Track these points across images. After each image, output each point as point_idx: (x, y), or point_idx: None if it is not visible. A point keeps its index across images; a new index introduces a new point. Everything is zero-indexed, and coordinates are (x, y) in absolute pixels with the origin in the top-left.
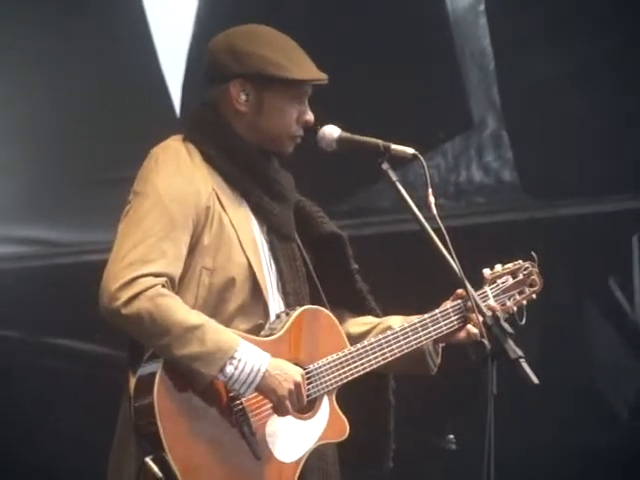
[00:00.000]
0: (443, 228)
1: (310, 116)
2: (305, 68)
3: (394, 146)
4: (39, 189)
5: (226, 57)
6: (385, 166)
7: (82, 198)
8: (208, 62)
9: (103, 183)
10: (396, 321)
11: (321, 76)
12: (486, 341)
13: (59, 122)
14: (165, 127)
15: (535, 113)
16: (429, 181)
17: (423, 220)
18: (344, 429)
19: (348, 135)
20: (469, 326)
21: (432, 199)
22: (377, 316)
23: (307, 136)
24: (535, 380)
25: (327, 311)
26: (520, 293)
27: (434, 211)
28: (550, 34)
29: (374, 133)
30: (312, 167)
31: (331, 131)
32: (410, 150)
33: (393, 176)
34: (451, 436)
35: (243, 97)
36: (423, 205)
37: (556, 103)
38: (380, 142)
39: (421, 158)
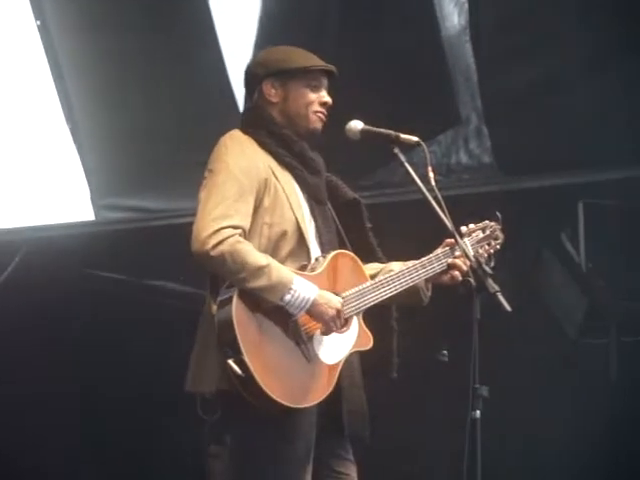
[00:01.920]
0: (439, 196)
1: (327, 98)
2: (313, 60)
3: (403, 135)
4: (138, 169)
5: (255, 69)
6: (396, 150)
7: (170, 176)
8: (245, 79)
9: (185, 164)
10: (396, 265)
11: (326, 65)
12: (471, 279)
13: (150, 120)
14: (231, 124)
15: (506, 113)
16: (429, 162)
17: (425, 190)
18: (369, 340)
19: (368, 127)
20: (452, 271)
21: (432, 175)
22: (382, 263)
23: (337, 129)
24: (508, 308)
25: (352, 254)
26: (488, 244)
27: (433, 184)
28: (519, 53)
29: (388, 126)
30: (340, 151)
31: (356, 125)
32: (415, 138)
33: (402, 157)
34: (444, 351)
35: (273, 91)
36: (424, 180)
37: (523, 105)
38: (392, 132)
39: (423, 145)
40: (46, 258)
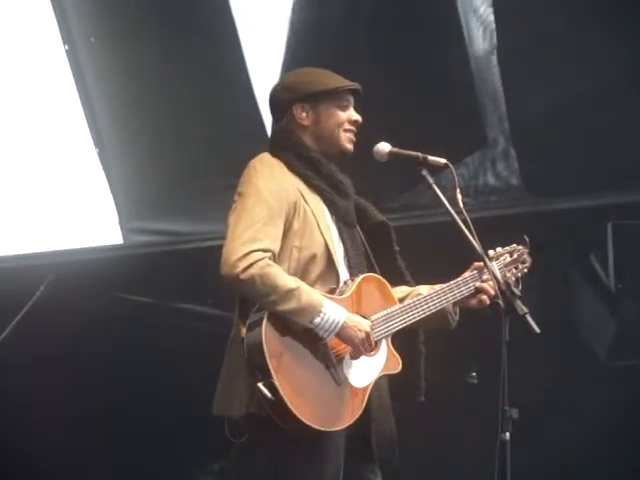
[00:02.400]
0: (468, 218)
1: (357, 116)
2: (340, 81)
3: (430, 157)
4: (166, 192)
5: (283, 93)
6: (424, 172)
7: (198, 199)
8: (272, 104)
9: (213, 187)
10: (424, 289)
11: (353, 84)
12: (500, 301)
13: (178, 143)
14: (259, 147)
15: (534, 134)
16: (457, 184)
17: (453, 212)
18: (398, 363)
19: (396, 150)
20: (480, 294)
21: (460, 197)
22: (410, 286)
23: (365, 151)
24: (537, 330)
25: (381, 277)
26: (516, 268)
27: (461, 206)
28: (547, 73)
29: (415, 148)
30: (370, 175)
31: (384, 147)
32: (442, 160)
33: (430, 180)
34: (474, 373)
35: (304, 114)
36: (453, 202)
37: (551, 126)
38: (420, 154)
39: (451, 166)
40: (74, 283)
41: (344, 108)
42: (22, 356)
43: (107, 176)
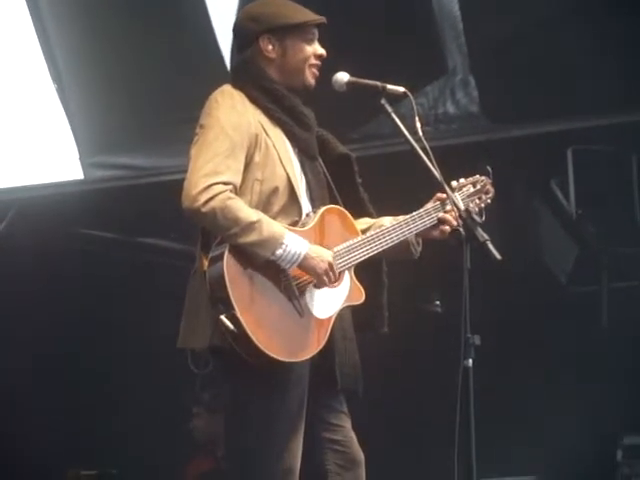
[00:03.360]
0: (428, 147)
1: (322, 50)
2: (306, 14)
3: (389, 86)
4: (127, 127)
5: (249, 24)
6: (383, 101)
7: (159, 133)
8: (236, 33)
9: (173, 121)
10: (387, 220)
11: (320, 18)
12: (461, 229)
13: (137, 78)
14: (219, 79)
15: (493, 62)
16: (416, 113)
17: (413, 141)
18: (361, 294)
19: (354, 79)
20: (442, 226)
21: (419, 126)
22: (373, 218)
23: (324, 82)
24: (498, 257)
25: (343, 209)
26: (479, 198)
27: (421, 134)
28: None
29: (375, 78)
30: (330, 105)
31: (342, 77)
32: (401, 89)
33: (388, 108)
34: (437, 302)
35: (270, 47)
36: (412, 131)
37: (509, 54)
38: (379, 83)
39: (410, 95)
40: (35, 218)
41: (310, 42)
42: None
43: (66, 111)
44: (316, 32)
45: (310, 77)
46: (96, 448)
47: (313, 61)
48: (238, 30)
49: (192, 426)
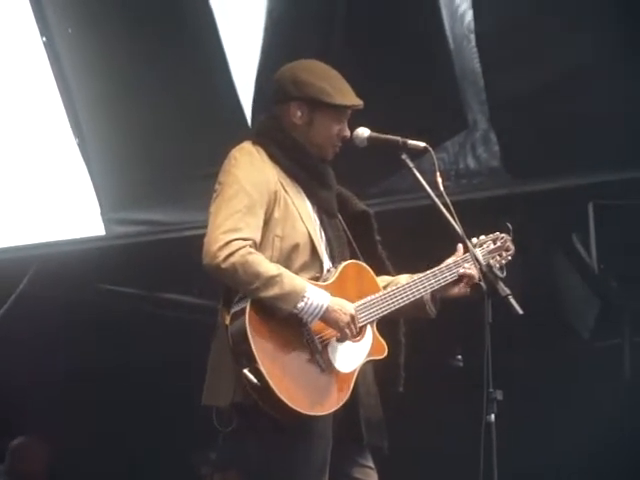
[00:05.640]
0: (449, 201)
1: (347, 132)
2: (347, 96)
3: (410, 141)
4: (147, 182)
5: (289, 85)
6: (404, 156)
7: (179, 189)
8: (275, 87)
9: (193, 177)
10: (403, 279)
11: (358, 102)
12: (483, 283)
13: (158, 134)
14: (240, 134)
15: (513, 117)
16: (437, 168)
17: (434, 196)
18: (384, 349)
19: (375, 134)
20: (463, 281)
21: (440, 181)
22: (391, 276)
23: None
24: (520, 311)
25: (364, 264)
26: (499, 255)
27: (442, 189)
28: (524, 57)
29: (395, 133)
30: (349, 161)
31: (363, 132)
32: (422, 144)
33: (410, 163)
34: (459, 356)
35: (299, 114)
36: (433, 186)
37: (529, 108)
38: (399, 138)
39: (431, 150)
40: (57, 274)
41: (339, 122)
42: (6, 348)
43: (87, 167)
44: (349, 113)
45: (330, 154)
46: None
47: (336, 142)
48: (277, 85)
49: None
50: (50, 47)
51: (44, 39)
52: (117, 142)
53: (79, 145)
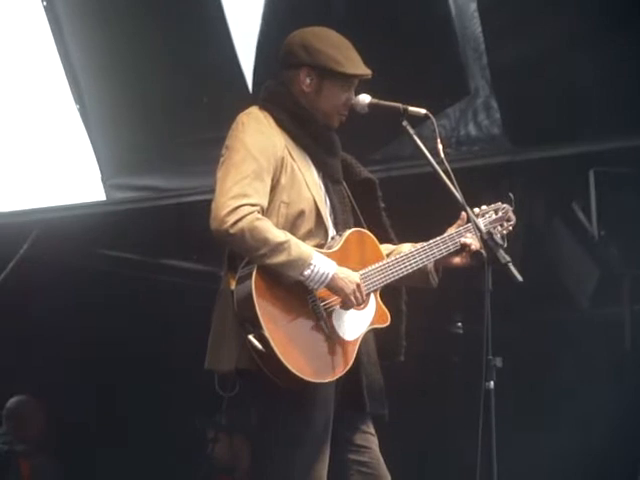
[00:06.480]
0: (449, 168)
1: (353, 99)
2: (356, 65)
3: (411, 108)
4: (148, 148)
5: (300, 50)
6: (405, 123)
7: (179, 154)
8: (285, 51)
9: (194, 142)
10: (406, 247)
11: (367, 72)
12: (483, 251)
13: (160, 99)
14: (241, 100)
15: (514, 84)
16: (438, 135)
17: (434, 163)
18: (387, 317)
19: (376, 101)
20: (465, 251)
21: (441, 148)
22: (394, 244)
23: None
24: (520, 278)
25: (367, 232)
26: (501, 225)
27: (442, 156)
28: (525, 23)
29: (396, 100)
30: (353, 127)
31: (364, 98)
32: (423, 110)
33: (410, 130)
34: (459, 323)
35: (308, 81)
36: (434, 153)
37: (531, 76)
38: (400, 105)
39: (432, 117)
40: (58, 239)
41: (347, 90)
42: (8, 311)
43: (88, 133)
44: (356, 82)
45: (336, 122)
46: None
47: (342, 110)
48: (287, 50)
49: (210, 450)
50: (51, 12)
51: (44, 3)
52: (118, 108)
53: (80, 111)
